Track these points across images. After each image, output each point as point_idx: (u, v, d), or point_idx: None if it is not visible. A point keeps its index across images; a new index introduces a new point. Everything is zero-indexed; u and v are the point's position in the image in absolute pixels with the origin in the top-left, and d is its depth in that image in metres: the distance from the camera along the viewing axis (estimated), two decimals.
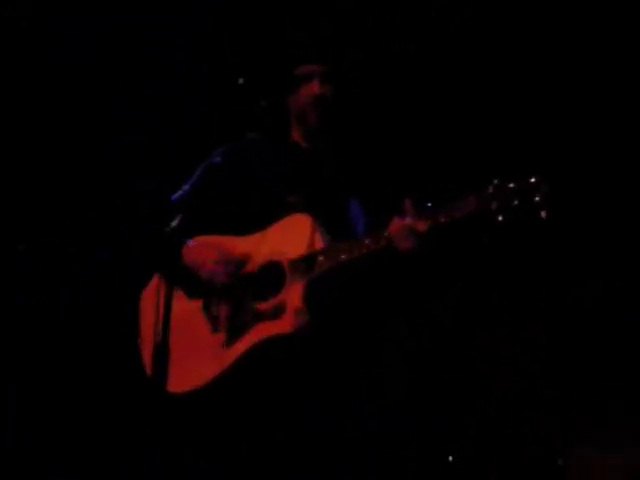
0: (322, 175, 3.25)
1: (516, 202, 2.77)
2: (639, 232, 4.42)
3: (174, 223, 2.98)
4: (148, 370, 3.08)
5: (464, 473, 4.44)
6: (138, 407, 4.35)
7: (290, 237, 3.03)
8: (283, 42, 3.58)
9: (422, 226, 2.88)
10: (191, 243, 3.11)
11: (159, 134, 4.95)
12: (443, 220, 2.85)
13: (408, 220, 2.90)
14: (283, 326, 2.94)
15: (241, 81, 3.07)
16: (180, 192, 3.25)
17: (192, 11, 4.99)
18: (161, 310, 2.72)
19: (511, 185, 2.80)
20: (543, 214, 2.75)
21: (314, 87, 3.21)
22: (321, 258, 2.96)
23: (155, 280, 3.16)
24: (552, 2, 4.52)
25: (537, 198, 2.75)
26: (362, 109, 4.38)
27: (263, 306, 2.99)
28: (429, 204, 2.91)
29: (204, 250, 3.08)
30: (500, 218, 2.79)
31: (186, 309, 3.07)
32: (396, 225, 2.91)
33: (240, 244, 3.11)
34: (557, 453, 4.29)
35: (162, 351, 2.70)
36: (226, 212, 3.22)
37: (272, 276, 3.00)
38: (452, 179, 4.57)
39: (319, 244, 3.00)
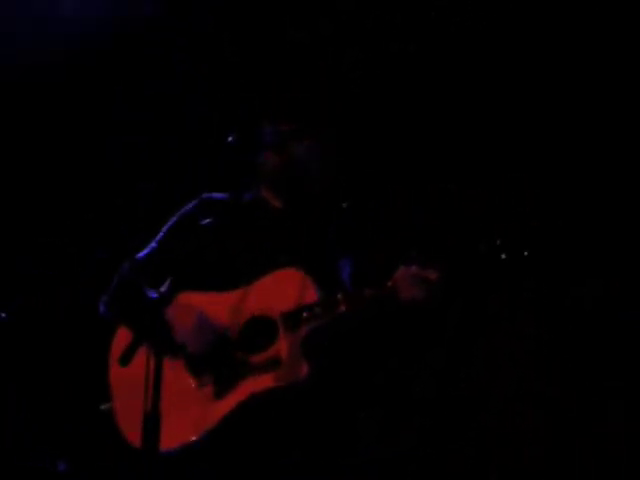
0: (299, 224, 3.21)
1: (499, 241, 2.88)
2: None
3: (163, 288, 2.85)
4: (130, 437, 2.99)
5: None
6: None
7: (280, 291, 3.00)
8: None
9: (433, 275, 2.91)
10: (171, 309, 2.99)
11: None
12: (455, 264, 2.92)
13: (415, 268, 2.91)
14: (279, 379, 2.93)
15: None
16: (151, 248, 3.19)
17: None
18: (151, 379, 2.56)
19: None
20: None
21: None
22: (317, 310, 2.95)
23: (123, 336, 3.08)
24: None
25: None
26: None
27: (256, 359, 2.96)
28: (414, 254, 2.95)
29: (183, 318, 3.01)
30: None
31: (167, 364, 2.83)
32: (403, 274, 2.92)
33: (226, 301, 3.06)
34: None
35: (154, 421, 2.54)
36: (207, 269, 3.16)
37: (262, 329, 2.98)
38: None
39: (313, 297, 2.98)
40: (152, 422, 2.54)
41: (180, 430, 2.93)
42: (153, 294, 2.74)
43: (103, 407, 3.10)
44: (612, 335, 4.35)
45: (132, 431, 2.92)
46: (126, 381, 2.98)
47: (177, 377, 3.01)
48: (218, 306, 3.05)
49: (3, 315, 4.48)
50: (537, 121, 4.59)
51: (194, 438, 2.95)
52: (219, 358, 3.00)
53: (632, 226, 4.41)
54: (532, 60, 4.59)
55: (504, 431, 4.46)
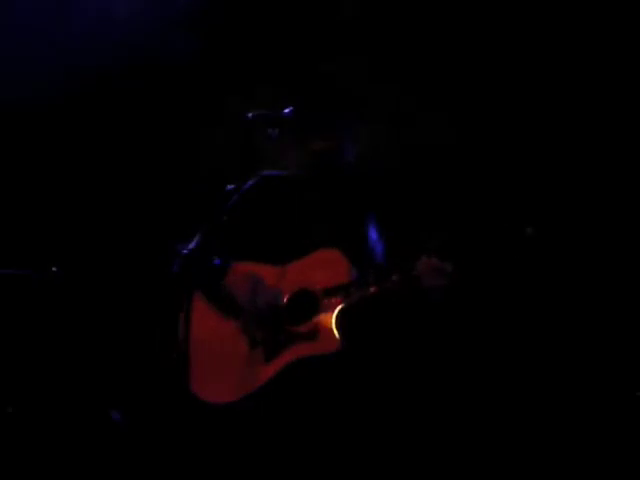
0: (343, 204, 3.56)
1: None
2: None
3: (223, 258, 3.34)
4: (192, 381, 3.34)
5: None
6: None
7: (322, 268, 3.35)
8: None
9: (449, 267, 3.21)
10: (232, 272, 3.41)
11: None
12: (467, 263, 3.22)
13: (435, 260, 3.19)
14: (317, 348, 3.30)
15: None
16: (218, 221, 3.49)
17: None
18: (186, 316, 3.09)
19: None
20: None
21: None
22: (352, 290, 3.29)
23: (197, 299, 3.46)
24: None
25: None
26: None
27: (298, 329, 3.33)
28: (434, 245, 3.25)
29: (242, 284, 3.40)
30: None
31: (225, 327, 3.43)
32: (425, 264, 3.22)
33: (275, 273, 3.43)
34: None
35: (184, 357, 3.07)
36: (263, 243, 3.52)
37: (305, 303, 3.34)
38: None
39: (349, 276, 3.32)
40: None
41: (233, 386, 3.36)
42: (217, 261, 3.31)
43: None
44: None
45: (202, 386, 3.32)
46: (202, 341, 3.36)
47: (233, 338, 3.41)
48: (270, 278, 3.42)
49: (55, 269, 4.72)
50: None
51: (245, 394, 3.34)
52: (271, 323, 3.37)
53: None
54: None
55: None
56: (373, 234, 3.55)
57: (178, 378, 3.10)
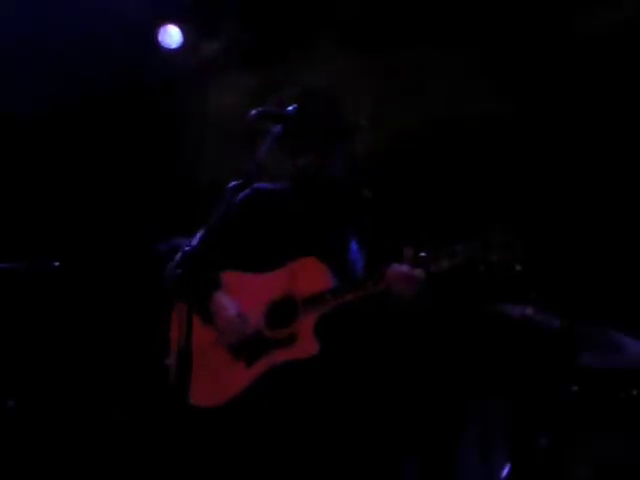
0: (327, 216, 3.64)
1: (495, 257, 3.19)
2: None
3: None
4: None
5: None
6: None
7: (303, 276, 3.42)
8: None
9: (419, 273, 3.27)
10: (220, 294, 3.50)
11: None
12: (433, 269, 3.26)
13: (405, 267, 3.26)
14: (297, 352, 3.37)
15: None
16: (206, 233, 3.48)
17: None
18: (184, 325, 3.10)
19: (492, 240, 3.21)
20: (518, 267, 3.17)
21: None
22: (329, 297, 3.37)
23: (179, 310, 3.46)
24: None
25: (512, 254, 3.19)
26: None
27: (278, 334, 3.40)
28: (422, 254, 3.29)
29: (226, 307, 3.48)
30: (482, 268, 3.21)
31: (207, 332, 3.50)
32: (394, 272, 3.29)
33: (260, 282, 3.51)
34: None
35: (185, 356, 3.09)
36: (242, 248, 3.60)
37: (286, 309, 3.42)
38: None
39: (328, 284, 3.40)
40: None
41: (215, 390, 3.43)
42: (205, 283, 3.41)
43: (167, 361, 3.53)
44: None
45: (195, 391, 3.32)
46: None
47: (214, 344, 3.49)
48: (254, 285, 3.50)
49: (57, 264, 4.73)
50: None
51: (227, 399, 3.41)
52: (251, 342, 3.45)
53: None
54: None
55: None
56: (354, 244, 3.62)
57: (177, 383, 3.15)
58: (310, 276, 3.41)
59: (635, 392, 4.39)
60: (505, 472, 4.61)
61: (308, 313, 3.38)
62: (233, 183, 3.43)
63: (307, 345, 3.35)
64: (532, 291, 4.46)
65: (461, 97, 5.44)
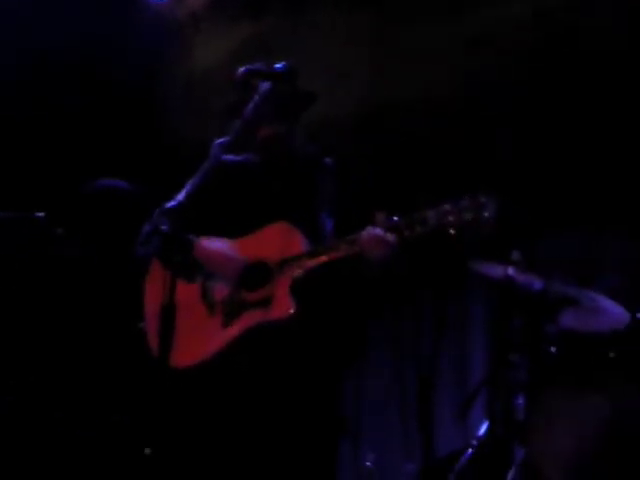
0: (293, 183, 3.67)
1: (468, 217, 3.21)
2: None
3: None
4: (153, 346, 3.49)
5: None
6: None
7: (276, 241, 3.47)
8: None
9: (391, 237, 3.31)
10: (203, 242, 3.50)
11: None
12: (407, 234, 3.30)
13: (378, 231, 3.29)
14: (273, 313, 3.40)
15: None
16: (178, 201, 3.44)
17: None
18: (167, 285, 3.09)
19: (464, 202, 3.24)
20: (490, 228, 3.21)
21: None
22: (304, 259, 3.41)
23: (155, 269, 3.53)
24: None
25: (486, 214, 3.21)
26: None
27: (254, 296, 3.43)
28: (395, 218, 3.33)
29: (218, 249, 3.52)
30: (452, 231, 3.23)
31: (185, 294, 3.44)
32: (367, 235, 3.33)
33: (233, 247, 3.54)
34: None
35: (169, 314, 3.08)
36: (213, 218, 3.61)
37: (260, 272, 3.45)
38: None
39: (302, 247, 3.44)
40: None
41: (195, 350, 3.45)
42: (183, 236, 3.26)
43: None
44: None
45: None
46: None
47: (191, 305, 3.50)
48: (229, 250, 3.54)
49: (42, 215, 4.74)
50: None
51: (206, 358, 3.44)
52: (229, 291, 3.48)
53: None
54: None
55: None
56: (322, 210, 3.66)
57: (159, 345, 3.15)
58: (284, 240, 3.46)
59: (612, 354, 4.45)
60: (482, 430, 4.68)
61: (283, 275, 3.41)
62: (219, 140, 3.43)
63: (284, 306, 3.37)
64: (515, 252, 4.48)
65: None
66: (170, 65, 6.25)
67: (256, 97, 3.32)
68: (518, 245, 4.52)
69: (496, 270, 4.53)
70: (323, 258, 3.38)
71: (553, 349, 4.53)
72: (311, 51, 5.75)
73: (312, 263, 3.39)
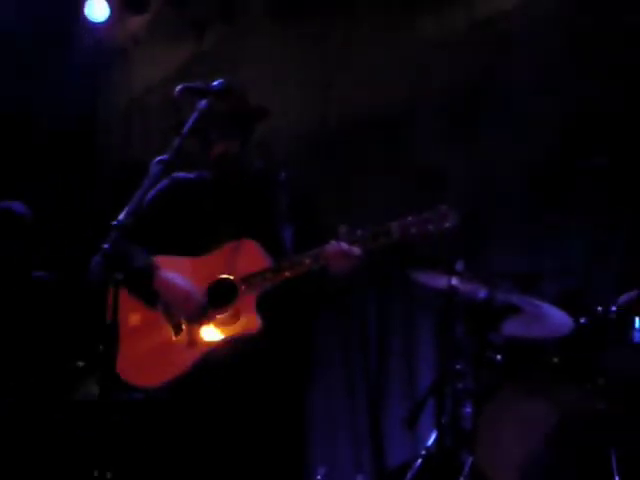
0: (250, 199, 3.67)
1: (431, 228, 3.29)
2: None
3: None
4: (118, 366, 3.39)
5: None
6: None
7: (239, 258, 3.47)
8: None
9: (357, 251, 3.34)
10: (163, 274, 3.50)
11: None
12: (371, 246, 3.34)
13: (343, 245, 3.34)
14: (239, 330, 3.41)
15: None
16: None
17: None
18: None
19: (427, 214, 3.31)
20: (451, 235, 3.30)
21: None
22: (269, 275, 3.42)
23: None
24: None
25: (447, 224, 3.30)
26: None
27: (220, 313, 3.43)
28: (359, 231, 3.37)
29: (176, 284, 3.49)
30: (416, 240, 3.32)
31: (149, 315, 3.52)
32: (333, 248, 3.36)
33: (193, 265, 3.54)
34: None
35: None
36: (170, 236, 3.60)
37: (225, 290, 3.45)
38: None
39: (265, 263, 3.45)
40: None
41: (162, 371, 3.46)
42: (141, 261, 3.44)
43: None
44: None
45: (131, 373, 3.43)
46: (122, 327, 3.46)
47: (157, 326, 3.51)
48: (188, 269, 3.53)
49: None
50: None
51: (173, 378, 3.43)
52: (192, 312, 3.47)
53: None
54: None
55: None
56: (280, 225, 3.66)
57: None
58: (247, 256, 3.47)
59: (556, 359, 4.51)
60: (431, 440, 4.71)
61: (248, 292, 3.42)
62: (158, 158, 3.43)
63: (250, 322, 3.39)
64: (459, 262, 4.54)
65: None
66: (110, 86, 6.23)
67: (194, 114, 3.33)
68: (462, 255, 4.57)
69: (440, 280, 4.58)
70: (287, 274, 3.41)
71: (498, 357, 4.59)
72: (254, 69, 5.78)
73: (276, 279, 3.42)
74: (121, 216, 3.27)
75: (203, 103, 3.35)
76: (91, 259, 3.35)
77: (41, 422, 4.76)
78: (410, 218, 3.32)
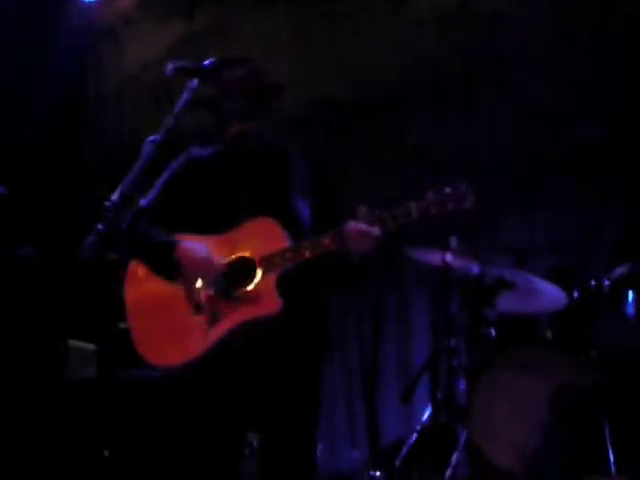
0: (267, 176, 3.63)
1: (451, 208, 3.28)
2: None
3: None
4: (138, 344, 3.46)
5: None
6: None
7: (259, 237, 3.45)
8: None
9: (376, 231, 3.33)
10: (184, 244, 3.46)
11: None
12: (390, 226, 3.33)
13: (362, 225, 3.33)
14: (260, 310, 3.38)
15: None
16: (152, 197, 3.51)
17: None
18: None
19: (447, 193, 3.30)
20: (470, 216, 3.29)
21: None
22: (289, 255, 3.40)
23: (134, 271, 3.53)
24: None
25: (467, 204, 3.28)
26: None
27: (240, 293, 3.41)
28: (377, 211, 3.36)
29: (196, 249, 3.46)
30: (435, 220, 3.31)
31: (168, 291, 3.47)
32: (352, 228, 3.35)
33: (213, 243, 3.49)
34: None
35: None
36: (188, 215, 3.56)
37: (244, 269, 3.42)
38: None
39: (285, 242, 3.43)
40: None
41: (179, 350, 3.43)
42: (163, 236, 3.43)
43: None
44: None
45: (148, 349, 3.43)
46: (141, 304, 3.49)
47: (176, 303, 3.47)
48: (210, 247, 3.48)
49: None
50: None
51: (195, 356, 3.40)
52: (214, 289, 3.45)
53: None
54: None
55: None
56: (298, 203, 3.61)
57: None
58: (267, 236, 3.45)
59: (549, 334, 4.54)
60: (426, 416, 4.74)
61: (268, 271, 3.40)
62: (151, 138, 3.42)
63: (270, 303, 3.37)
64: (453, 238, 4.55)
65: None
66: (102, 66, 6.21)
67: (185, 94, 3.31)
68: (456, 231, 4.58)
69: (434, 256, 4.59)
70: (307, 253, 3.39)
71: (492, 332, 4.61)
72: (244, 48, 5.77)
73: (296, 258, 3.40)
74: (114, 196, 3.27)
75: (194, 83, 3.34)
76: (83, 239, 3.40)
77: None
78: (430, 197, 3.31)
